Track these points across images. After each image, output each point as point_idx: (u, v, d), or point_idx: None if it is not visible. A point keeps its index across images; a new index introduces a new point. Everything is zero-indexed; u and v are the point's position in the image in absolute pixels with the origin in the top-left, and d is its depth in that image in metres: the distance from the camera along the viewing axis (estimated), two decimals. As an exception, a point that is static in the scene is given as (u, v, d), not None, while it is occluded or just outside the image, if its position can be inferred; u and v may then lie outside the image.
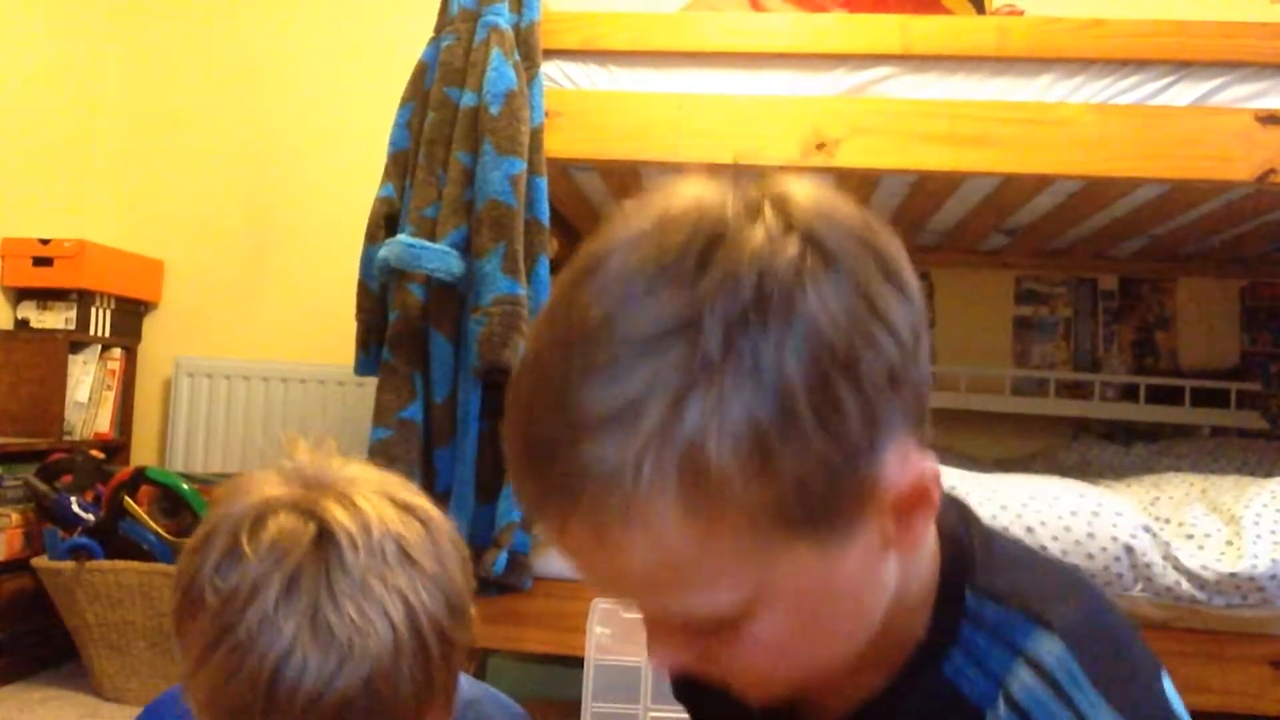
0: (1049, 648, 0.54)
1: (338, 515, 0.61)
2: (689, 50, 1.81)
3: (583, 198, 2.46)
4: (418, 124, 1.80)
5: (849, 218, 0.50)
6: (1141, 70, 1.72)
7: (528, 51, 1.76)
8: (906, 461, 0.49)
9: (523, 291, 1.68)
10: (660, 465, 0.44)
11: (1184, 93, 1.70)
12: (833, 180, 2.12)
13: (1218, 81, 1.70)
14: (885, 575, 0.53)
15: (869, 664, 0.56)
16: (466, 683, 0.83)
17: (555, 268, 2.11)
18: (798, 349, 0.45)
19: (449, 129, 1.75)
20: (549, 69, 1.81)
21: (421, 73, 1.83)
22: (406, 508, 0.64)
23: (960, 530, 0.60)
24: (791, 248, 0.47)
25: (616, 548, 0.47)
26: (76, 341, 2.65)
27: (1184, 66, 1.71)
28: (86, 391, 2.66)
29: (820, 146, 1.74)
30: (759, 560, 0.47)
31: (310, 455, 0.66)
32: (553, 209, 1.82)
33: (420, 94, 1.82)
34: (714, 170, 0.52)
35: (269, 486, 0.63)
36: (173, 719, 0.77)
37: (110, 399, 2.75)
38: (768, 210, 0.49)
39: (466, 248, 1.71)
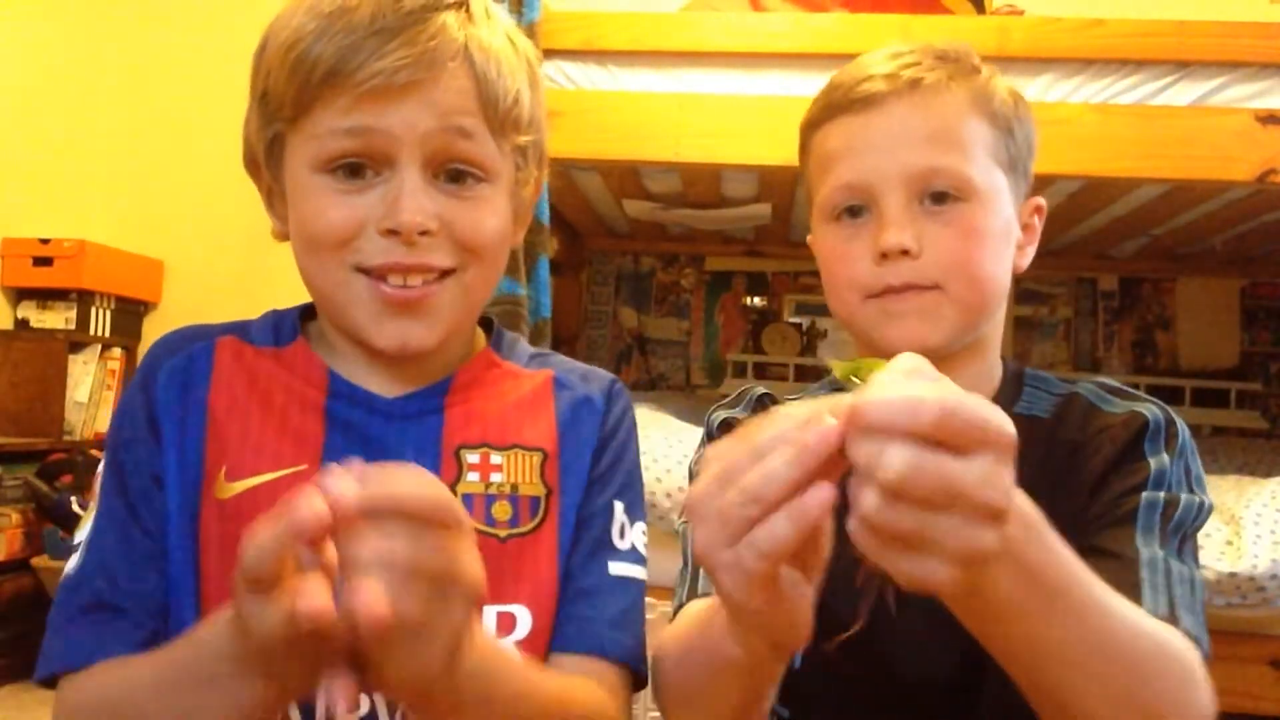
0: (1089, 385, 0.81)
1: None
2: (689, 50, 1.81)
3: (583, 198, 2.46)
4: (418, 124, 1.80)
5: None
6: (1141, 70, 1.72)
7: (528, 51, 1.76)
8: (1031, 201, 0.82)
9: (523, 291, 1.68)
10: None
11: (1184, 93, 1.70)
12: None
13: (1218, 81, 1.70)
14: (1013, 250, 0.79)
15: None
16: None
17: (555, 267, 2.11)
18: None
19: (449, 129, 1.75)
20: (549, 69, 1.81)
21: (421, 73, 1.83)
22: None
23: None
24: None
25: None
26: (76, 341, 2.65)
27: (1184, 66, 1.71)
28: (86, 391, 2.66)
29: (820, 146, 1.73)
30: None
31: None
32: (553, 209, 1.82)
33: (420, 94, 1.82)
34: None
35: None
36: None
37: (110, 399, 2.75)
38: None
39: (466, 248, 1.71)
